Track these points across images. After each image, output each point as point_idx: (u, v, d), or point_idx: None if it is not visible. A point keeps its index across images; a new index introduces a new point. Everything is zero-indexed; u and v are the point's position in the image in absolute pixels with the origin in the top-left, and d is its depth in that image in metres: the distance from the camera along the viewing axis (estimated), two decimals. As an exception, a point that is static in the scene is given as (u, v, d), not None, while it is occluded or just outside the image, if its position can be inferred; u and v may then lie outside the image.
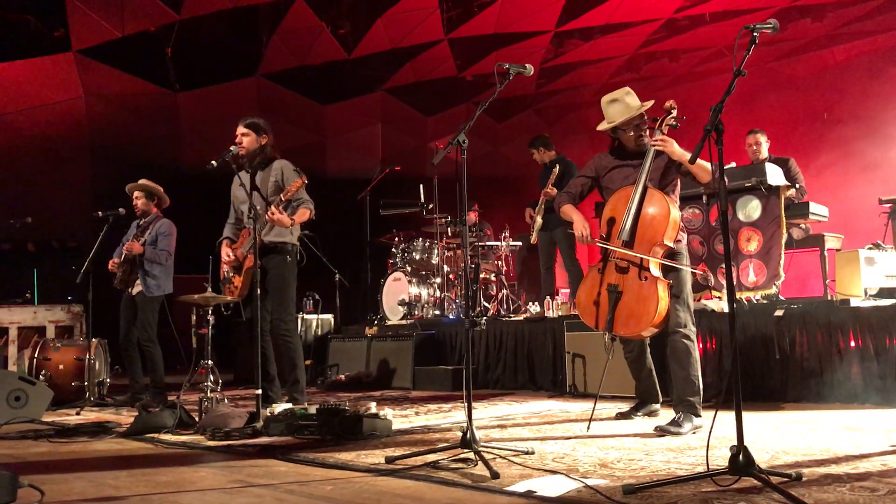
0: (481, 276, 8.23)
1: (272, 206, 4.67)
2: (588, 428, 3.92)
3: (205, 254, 5.83)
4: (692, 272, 4.14)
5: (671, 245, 3.94)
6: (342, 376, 7.12)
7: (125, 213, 6.26)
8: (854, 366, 4.61)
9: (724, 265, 3.36)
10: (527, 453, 3.20)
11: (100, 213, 6.22)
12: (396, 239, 8.73)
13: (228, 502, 2.62)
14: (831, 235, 6.04)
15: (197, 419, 4.39)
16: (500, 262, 8.40)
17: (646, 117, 4.10)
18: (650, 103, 4.08)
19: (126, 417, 5.03)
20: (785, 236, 5.47)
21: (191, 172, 8.87)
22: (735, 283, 4.85)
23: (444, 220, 8.23)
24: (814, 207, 6.01)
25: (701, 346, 4.92)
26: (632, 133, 4.08)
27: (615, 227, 3.99)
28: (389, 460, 3.16)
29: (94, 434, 4.34)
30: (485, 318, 7.13)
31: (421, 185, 8.30)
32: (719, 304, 5.31)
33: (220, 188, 5.47)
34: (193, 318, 7.25)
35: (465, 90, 11.70)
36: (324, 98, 11.64)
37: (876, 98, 9.60)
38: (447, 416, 4.76)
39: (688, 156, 3.81)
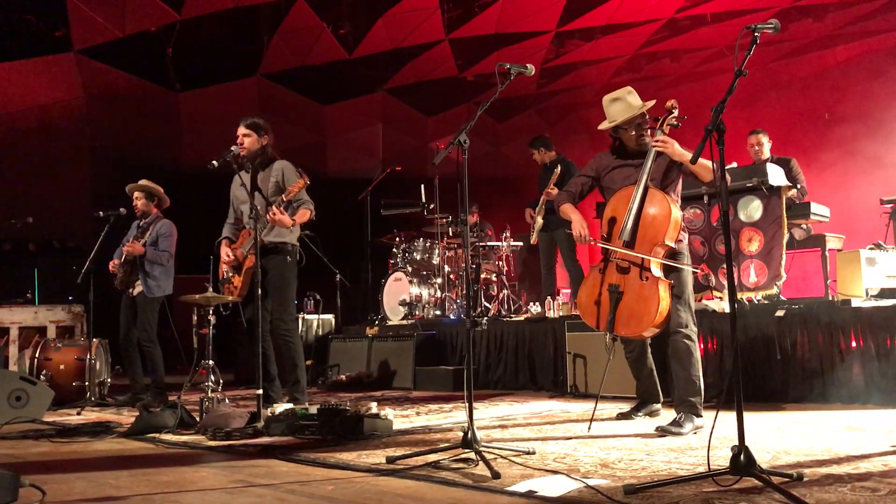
0: (482, 276, 8.23)
1: (273, 207, 4.68)
2: (589, 428, 3.91)
3: (205, 254, 5.83)
4: (693, 272, 4.14)
5: (672, 245, 3.93)
6: (343, 376, 7.11)
7: (126, 214, 6.26)
8: (855, 366, 4.60)
9: (725, 265, 3.36)
10: (528, 453, 3.20)
11: (101, 213, 6.22)
12: (397, 239, 8.73)
13: (230, 502, 2.62)
14: (832, 236, 6.03)
15: (198, 419, 4.39)
16: (500, 263, 8.40)
17: (647, 117, 4.10)
18: (652, 103, 4.08)
19: (127, 417, 5.03)
20: (786, 236, 5.47)
21: (191, 172, 8.89)
22: (736, 283, 4.85)
23: (444, 220, 8.23)
24: (815, 208, 6.01)
25: (702, 346, 4.91)
26: (633, 132, 4.07)
27: (616, 227, 3.99)
28: (390, 460, 3.16)
29: (95, 434, 4.34)
30: (486, 318, 7.12)
31: (422, 186, 8.30)
32: (720, 304, 5.31)
33: (220, 188, 5.47)
34: (194, 318, 7.26)
35: (465, 90, 11.70)
36: (324, 98, 11.65)
37: (877, 98, 9.60)
38: (448, 417, 4.76)
39: (689, 155, 3.81)
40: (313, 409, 4.03)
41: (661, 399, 4.39)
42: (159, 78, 10.28)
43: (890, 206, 6.60)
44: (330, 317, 8.31)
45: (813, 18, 9.65)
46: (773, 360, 4.89)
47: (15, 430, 4.53)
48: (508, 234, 8.29)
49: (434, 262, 8.29)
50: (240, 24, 9.96)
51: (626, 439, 3.61)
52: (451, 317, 7.76)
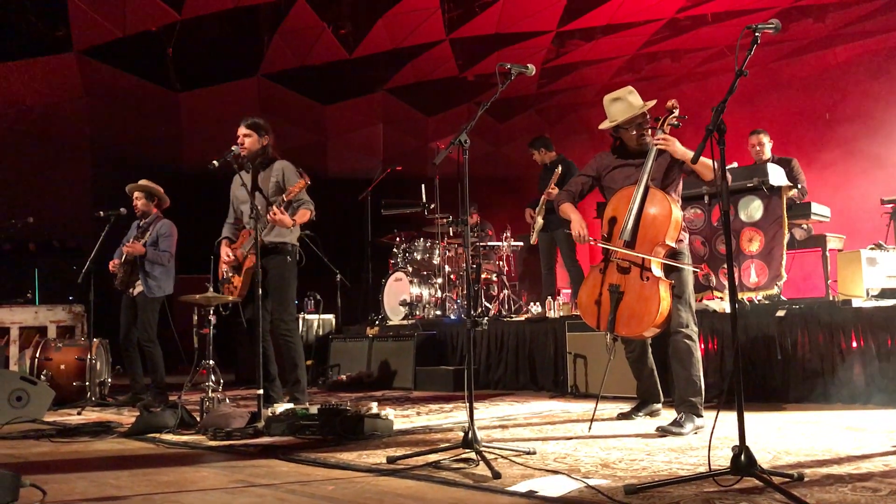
0: (483, 276, 8.23)
1: (274, 207, 4.68)
2: (590, 428, 3.91)
3: (205, 254, 5.83)
4: (694, 272, 4.13)
5: (673, 245, 3.93)
6: (343, 376, 7.12)
7: (126, 214, 6.27)
8: (856, 366, 4.60)
9: (725, 265, 3.35)
10: (528, 453, 3.20)
11: (101, 213, 6.22)
12: (398, 239, 8.73)
13: (230, 502, 2.62)
14: (833, 236, 6.03)
15: (198, 419, 4.39)
16: (501, 263, 8.40)
17: (648, 116, 4.10)
18: (652, 103, 4.08)
19: (127, 417, 5.03)
20: (787, 237, 5.47)
21: (191, 172, 8.90)
22: (737, 283, 4.85)
23: (445, 220, 8.23)
24: (816, 208, 6.01)
25: (702, 346, 4.91)
26: (634, 132, 4.07)
27: (617, 227, 3.99)
28: (391, 460, 3.16)
29: (96, 434, 4.34)
30: (486, 318, 7.12)
31: (422, 185, 8.30)
32: (721, 304, 5.31)
33: (220, 188, 5.47)
34: (195, 318, 7.26)
35: (466, 90, 11.69)
36: (325, 98, 11.64)
37: (877, 98, 9.60)
38: (448, 417, 4.75)
39: (690, 155, 3.81)
40: (314, 409, 4.03)
41: (662, 399, 4.39)
42: (160, 78, 10.27)
43: (890, 206, 6.60)
44: (330, 317, 8.31)
45: (813, 18, 9.65)
46: (774, 361, 4.89)
47: (15, 430, 4.53)
48: (509, 234, 8.29)
49: (434, 262, 8.29)
50: (240, 24, 9.95)
51: (627, 439, 3.61)
52: (452, 317, 7.76)
